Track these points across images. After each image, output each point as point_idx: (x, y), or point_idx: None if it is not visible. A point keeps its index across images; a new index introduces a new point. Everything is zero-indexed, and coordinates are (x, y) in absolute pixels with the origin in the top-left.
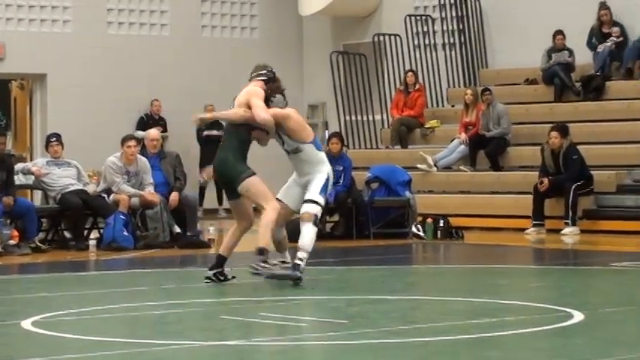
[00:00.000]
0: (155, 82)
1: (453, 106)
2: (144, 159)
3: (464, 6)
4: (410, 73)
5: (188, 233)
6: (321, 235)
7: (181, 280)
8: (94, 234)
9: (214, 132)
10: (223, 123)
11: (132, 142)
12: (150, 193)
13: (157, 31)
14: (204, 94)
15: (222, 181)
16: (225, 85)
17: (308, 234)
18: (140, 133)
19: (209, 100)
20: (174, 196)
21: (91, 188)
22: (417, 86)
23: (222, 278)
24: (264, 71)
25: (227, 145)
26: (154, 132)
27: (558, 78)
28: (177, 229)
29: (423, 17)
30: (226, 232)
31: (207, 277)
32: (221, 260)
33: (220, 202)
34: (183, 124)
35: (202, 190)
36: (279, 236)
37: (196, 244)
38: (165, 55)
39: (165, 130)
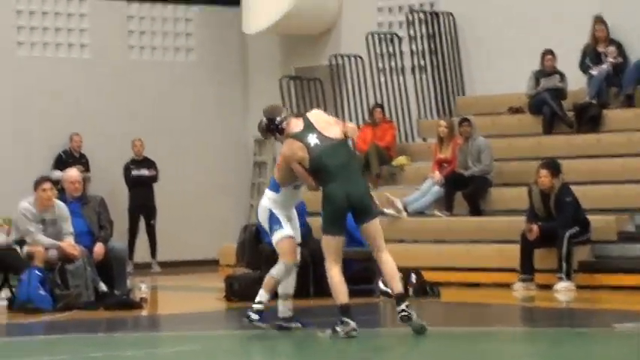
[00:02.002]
0: (75, 113)
1: (424, 139)
2: (62, 204)
3: (436, 22)
4: (378, 109)
5: (116, 292)
6: None
7: (109, 347)
8: (5, 293)
9: (145, 172)
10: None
11: (47, 185)
12: (70, 244)
13: (77, 52)
14: (132, 126)
15: (360, 208)
16: (156, 116)
17: None
18: (57, 174)
19: (138, 134)
20: (98, 248)
21: (0, 239)
22: (386, 119)
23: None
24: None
25: (361, 177)
26: (73, 172)
27: (547, 106)
28: (104, 287)
29: (388, 35)
30: (160, 290)
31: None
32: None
33: (153, 254)
34: (108, 162)
35: (132, 240)
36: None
37: (126, 305)
38: (86, 81)
39: (87, 169)
